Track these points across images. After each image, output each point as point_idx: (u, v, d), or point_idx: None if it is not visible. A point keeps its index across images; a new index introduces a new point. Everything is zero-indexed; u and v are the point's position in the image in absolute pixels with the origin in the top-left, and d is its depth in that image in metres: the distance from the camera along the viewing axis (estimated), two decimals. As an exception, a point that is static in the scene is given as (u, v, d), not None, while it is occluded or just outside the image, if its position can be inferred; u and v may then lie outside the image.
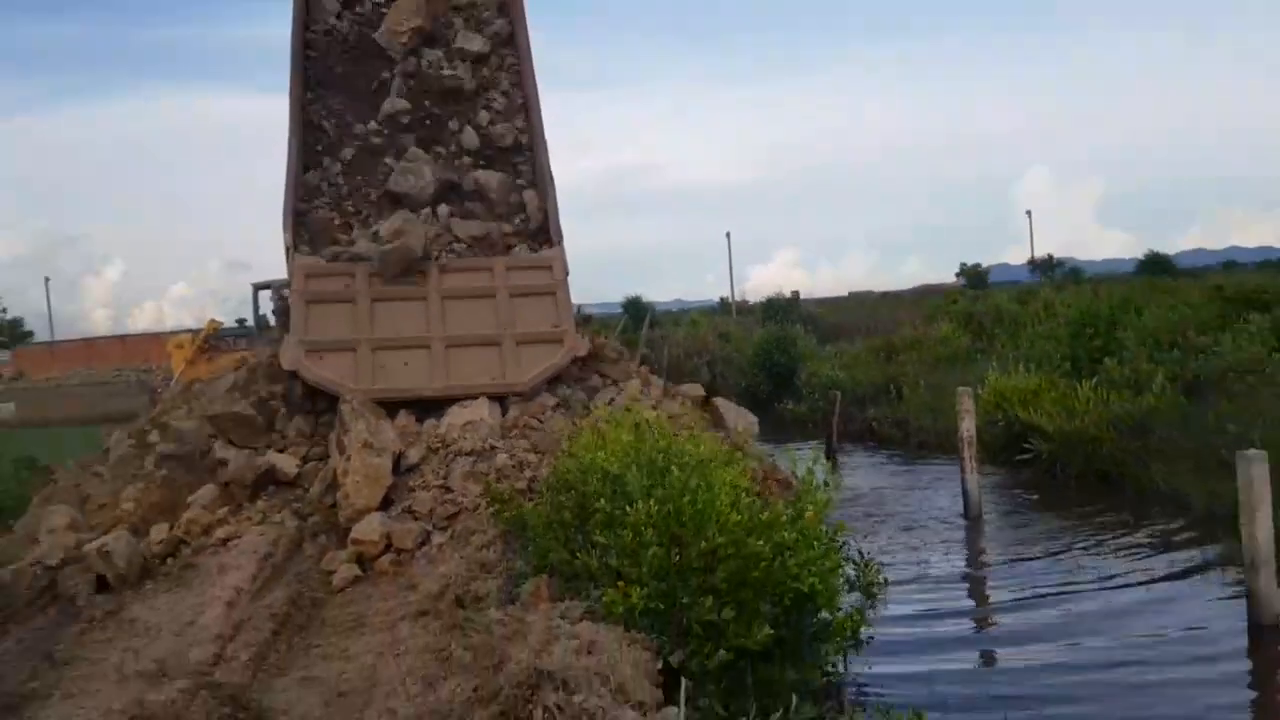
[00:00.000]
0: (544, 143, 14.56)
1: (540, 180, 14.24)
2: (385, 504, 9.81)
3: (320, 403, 11.75)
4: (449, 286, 12.53)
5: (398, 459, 10.30)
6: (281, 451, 11.04)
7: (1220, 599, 10.39)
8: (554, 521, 7.66)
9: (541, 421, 11.43)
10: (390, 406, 11.44)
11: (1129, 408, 16.03)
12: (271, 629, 7.56)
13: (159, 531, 9.70)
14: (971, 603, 11.32)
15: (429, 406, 11.66)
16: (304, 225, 13.31)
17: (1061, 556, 12.46)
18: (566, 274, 13.05)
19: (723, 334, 40.24)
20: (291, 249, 12.68)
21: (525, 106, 15.18)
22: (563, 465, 8.16)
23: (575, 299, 13.64)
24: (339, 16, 15.76)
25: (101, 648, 7.50)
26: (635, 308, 48.75)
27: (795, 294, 56.17)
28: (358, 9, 15.80)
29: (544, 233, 13.75)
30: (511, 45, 15.93)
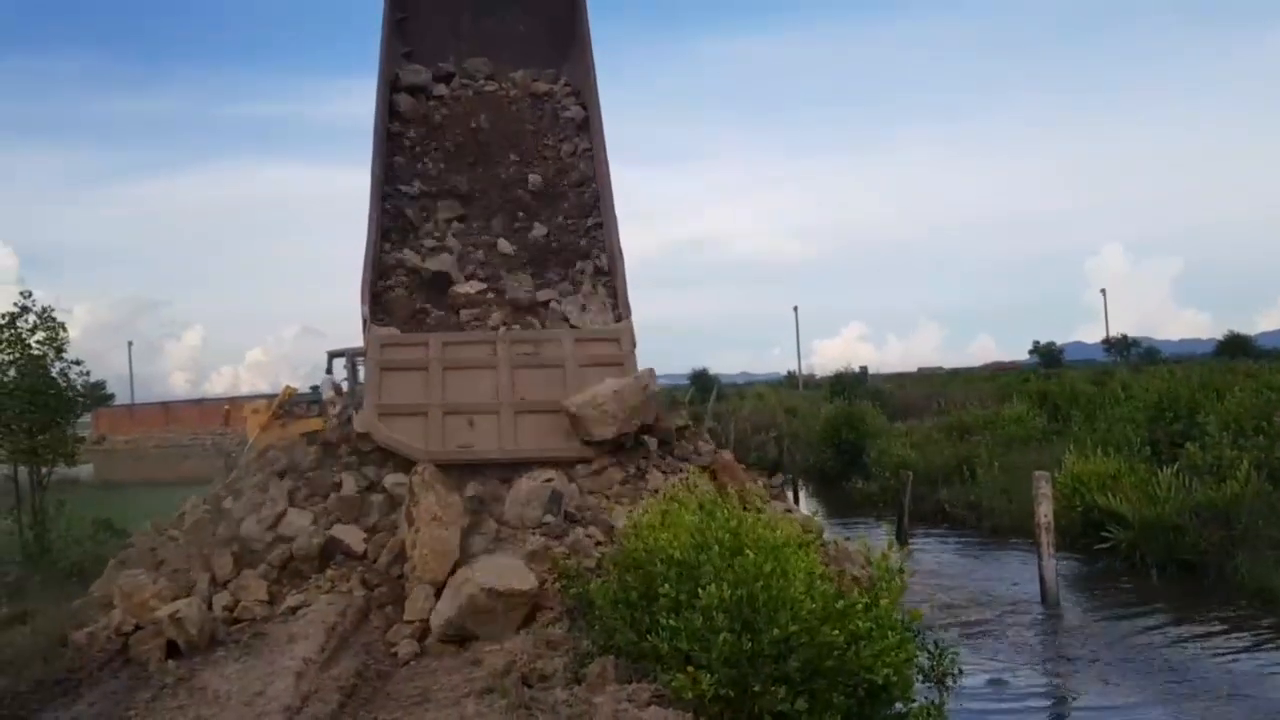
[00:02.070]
0: (614, 221, 14.86)
1: (611, 257, 14.50)
2: (451, 576, 9.81)
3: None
4: (519, 356, 12.78)
5: (465, 532, 10.32)
6: (353, 523, 11.13)
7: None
8: (621, 601, 7.58)
9: (609, 497, 11.41)
10: (459, 470, 11.57)
11: (1212, 495, 15.50)
12: (338, 701, 7.55)
13: (222, 599, 9.83)
14: (1050, 701, 10.88)
15: (498, 469, 11.80)
16: (380, 301, 13.75)
17: (1145, 652, 11.97)
18: (634, 346, 13.23)
19: (790, 409, 39.97)
20: (369, 321, 13.01)
21: (597, 187, 15.55)
22: (630, 544, 8.09)
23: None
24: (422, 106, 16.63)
25: (172, 715, 7.53)
26: (702, 380, 48.75)
27: (863, 369, 55.75)
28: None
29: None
30: (585, 130, 16.45)
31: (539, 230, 15.18)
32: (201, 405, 55.10)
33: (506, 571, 9.12)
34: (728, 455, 13.37)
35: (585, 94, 16.83)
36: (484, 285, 14.19)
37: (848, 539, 12.52)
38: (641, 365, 13.19)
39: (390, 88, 16.43)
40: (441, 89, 17.11)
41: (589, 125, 16.43)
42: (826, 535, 11.63)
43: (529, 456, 11.76)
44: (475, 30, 17.98)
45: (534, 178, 15.74)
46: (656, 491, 10.81)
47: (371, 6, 17.43)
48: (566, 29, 17.59)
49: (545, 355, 12.87)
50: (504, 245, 14.94)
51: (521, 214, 15.53)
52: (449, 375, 12.53)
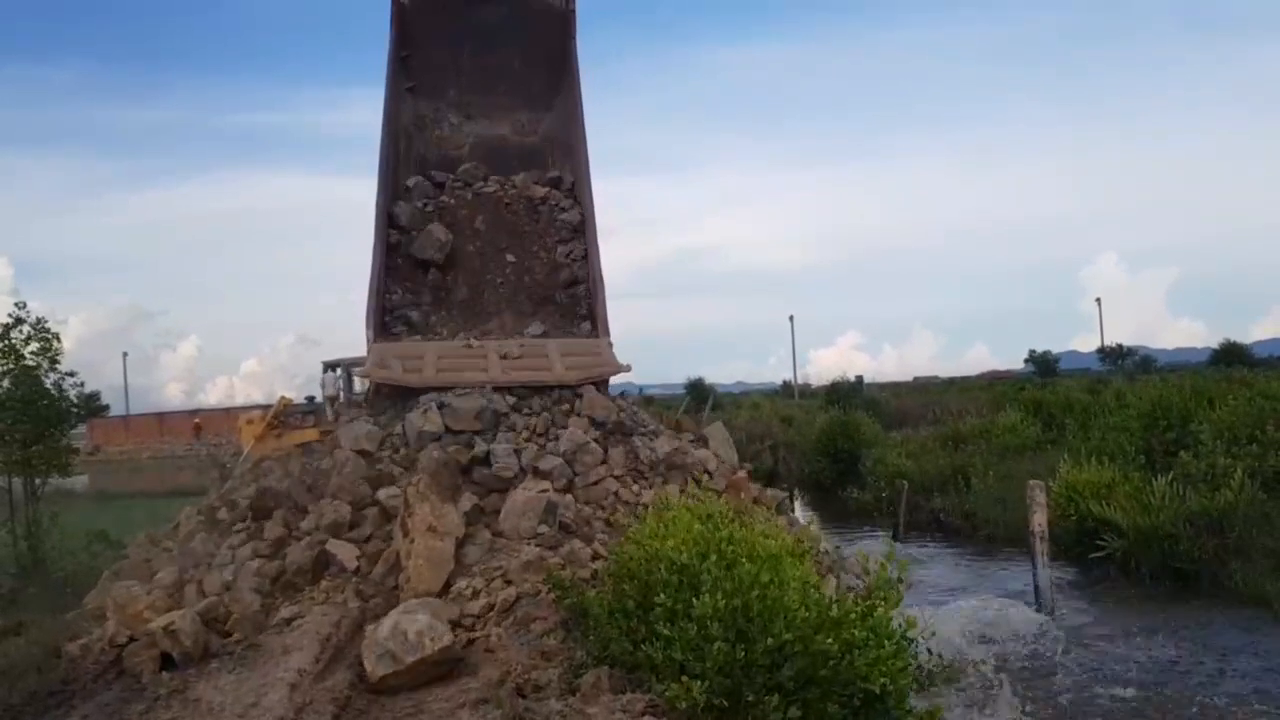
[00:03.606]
0: (597, 249, 15.84)
1: (593, 282, 15.42)
2: (446, 587, 9.81)
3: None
4: (507, 350, 14.17)
5: (461, 542, 10.32)
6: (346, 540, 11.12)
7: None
8: (616, 610, 7.58)
9: (604, 508, 11.43)
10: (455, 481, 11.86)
11: (1206, 503, 15.50)
12: (332, 713, 7.52)
13: (216, 610, 9.80)
14: (1046, 709, 10.86)
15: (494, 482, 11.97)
16: (385, 325, 14.76)
17: (1140, 660, 11.98)
18: (611, 346, 14.59)
19: (785, 418, 39.93)
20: (372, 342, 14.11)
21: (582, 221, 16.65)
22: (626, 553, 8.09)
23: (637, 380, 14.81)
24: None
25: (165, 727, 7.50)
26: (697, 389, 48.69)
27: (859, 379, 55.66)
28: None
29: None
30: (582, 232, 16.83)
31: (535, 328, 15.62)
32: (196, 416, 55.04)
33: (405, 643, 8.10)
34: (742, 474, 13.53)
35: (572, 129, 17.34)
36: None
37: (844, 555, 12.56)
38: (636, 373, 13.89)
39: (392, 193, 16.71)
40: (442, 199, 17.32)
41: (583, 191, 17.03)
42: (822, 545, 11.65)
43: (514, 381, 13.27)
44: (474, 66, 18.49)
45: (533, 329, 15.96)
46: (649, 506, 10.86)
47: (370, 14, 17.81)
48: (561, 65, 18.01)
49: (532, 353, 14.22)
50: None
51: (520, 313, 15.98)
52: (443, 361, 13.91)
